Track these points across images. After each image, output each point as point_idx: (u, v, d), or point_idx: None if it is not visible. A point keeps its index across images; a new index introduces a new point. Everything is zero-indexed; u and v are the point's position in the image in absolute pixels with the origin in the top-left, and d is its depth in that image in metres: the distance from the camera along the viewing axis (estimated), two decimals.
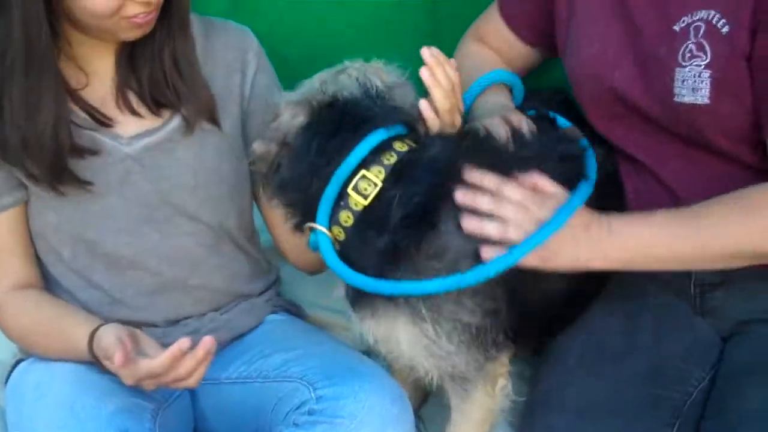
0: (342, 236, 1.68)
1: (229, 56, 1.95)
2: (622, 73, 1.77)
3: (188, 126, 1.85)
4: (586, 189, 1.67)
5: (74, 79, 1.82)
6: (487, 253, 1.60)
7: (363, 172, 1.65)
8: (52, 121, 1.73)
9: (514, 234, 1.59)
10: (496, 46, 2.04)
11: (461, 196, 1.62)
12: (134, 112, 1.85)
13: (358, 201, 1.65)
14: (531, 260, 1.60)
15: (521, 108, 1.91)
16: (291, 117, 1.73)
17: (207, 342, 1.63)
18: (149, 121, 1.87)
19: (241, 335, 2.00)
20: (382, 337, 1.75)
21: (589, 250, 1.60)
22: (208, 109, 1.87)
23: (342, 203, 1.66)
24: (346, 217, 1.67)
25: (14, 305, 1.87)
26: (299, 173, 1.69)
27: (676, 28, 1.69)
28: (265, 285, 2.07)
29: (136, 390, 1.72)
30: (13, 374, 1.92)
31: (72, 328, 1.80)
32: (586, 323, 1.86)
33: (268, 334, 2.00)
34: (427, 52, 1.69)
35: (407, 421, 1.75)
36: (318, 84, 1.75)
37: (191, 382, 1.66)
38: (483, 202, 1.61)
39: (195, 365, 1.64)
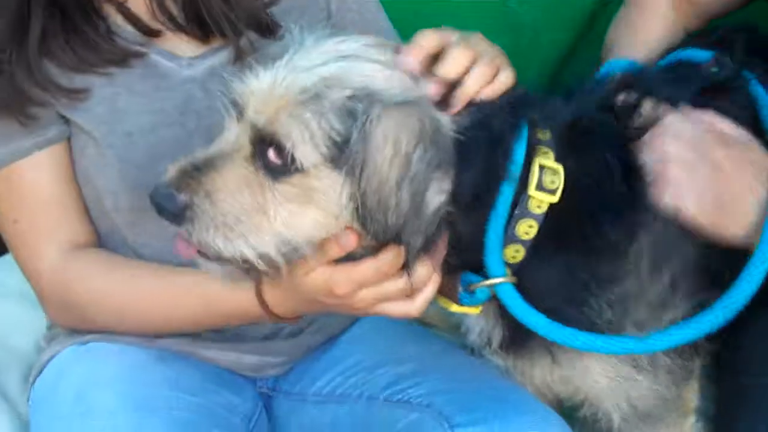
0: (519, 257, 1.27)
1: None
2: None
3: (238, 55, 1.53)
4: None
5: None
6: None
7: (538, 159, 1.24)
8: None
9: None
10: None
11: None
12: (182, 29, 1.54)
13: (542, 201, 1.24)
14: None
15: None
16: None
17: None
18: (205, 42, 1.56)
19: (332, 337, 1.63)
20: (560, 380, 1.38)
21: None
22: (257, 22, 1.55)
23: (517, 211, 1.24)
24: (526, 228, 1.25)
25: (90, 269, 1.48)
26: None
27: None
28: None
29: (211, 413, 1.43)
30: (44, 376, 1.53)
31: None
32: None
33: (368, 338, 1.60)
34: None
35: None
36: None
37: (418, 304, 1.23)
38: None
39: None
